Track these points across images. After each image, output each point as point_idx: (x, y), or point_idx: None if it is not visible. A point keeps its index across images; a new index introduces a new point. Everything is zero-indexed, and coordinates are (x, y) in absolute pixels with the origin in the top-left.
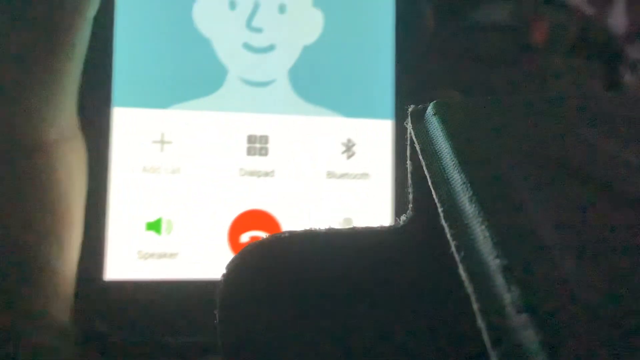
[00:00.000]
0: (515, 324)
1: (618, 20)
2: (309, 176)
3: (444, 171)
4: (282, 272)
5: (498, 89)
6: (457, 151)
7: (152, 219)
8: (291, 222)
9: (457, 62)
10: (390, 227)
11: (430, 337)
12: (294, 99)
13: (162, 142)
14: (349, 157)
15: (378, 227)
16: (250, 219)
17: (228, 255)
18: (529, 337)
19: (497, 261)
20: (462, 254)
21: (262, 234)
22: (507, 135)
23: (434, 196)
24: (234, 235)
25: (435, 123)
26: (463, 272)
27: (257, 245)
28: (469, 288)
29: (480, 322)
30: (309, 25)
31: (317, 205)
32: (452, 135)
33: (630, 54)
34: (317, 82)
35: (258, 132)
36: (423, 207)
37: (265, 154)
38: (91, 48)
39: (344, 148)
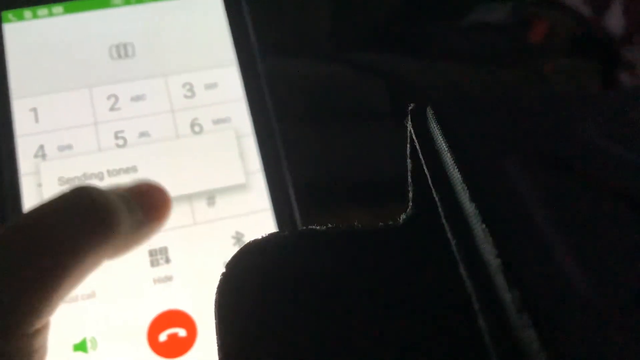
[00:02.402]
0: (516, 323)
1: (615, 21)
2: (208, 272)
3: (444, 170)
4: (281, 270)
5: (496, 88)
6: (457, 150)
7: (77, 341)
8: (202, 314)
9: (456, 62)
10: (390, 225)
11: (431, 336)
12: None
13: None
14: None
15: (378, 225)
16: (165, 319)
17: (150, 356)
18: (530, 336)
19: (498, 261)
20: (463, 253)
21: (178, 330)
22: (507, 134)
23: (434, 195)
24: (153, 337)
25: (435, 122)
26: (463, 272)
27: (256, 244)
28: (470, 287)
29: (481, 322)
30: None
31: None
32: (451, 134)
33: (627, 54)
34: None
35: (157, 246)
36: (423, 206)
37: (167, 262)
38: None
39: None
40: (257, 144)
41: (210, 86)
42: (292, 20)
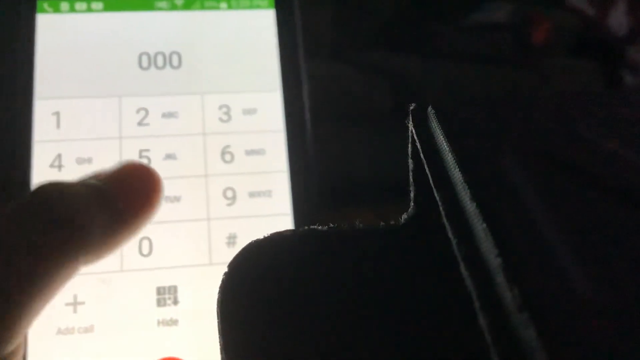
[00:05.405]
0: (517, 322)
1: (618, 21)
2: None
3: (445, 170)
4: (282, 270)
5: (498, 88)
6: (458, 150)
7: None
8: None
9: (459, 62)
10: (391, 225)
11: (432, 335)
12: None
13: (75, 303)
14: None
15: (379, 225)
16: None
17: None
18: (530, 335)
19: (498, 260)
20: (463, 252)
21: None
22: (508, 134)
23: (435, 195)
24: None
25: (436, 121)
26: (464, 271)
27: (258, 244)
28: (470, 286)
29: (482, 321)
30: None
31: None
32: (452, 134)
33: (631, 54)
34: None
35: (166, 284)
36: (424, 206)
37: (175, 303)
38: None
39: None
40: (289, 184)
41: (249, 112)
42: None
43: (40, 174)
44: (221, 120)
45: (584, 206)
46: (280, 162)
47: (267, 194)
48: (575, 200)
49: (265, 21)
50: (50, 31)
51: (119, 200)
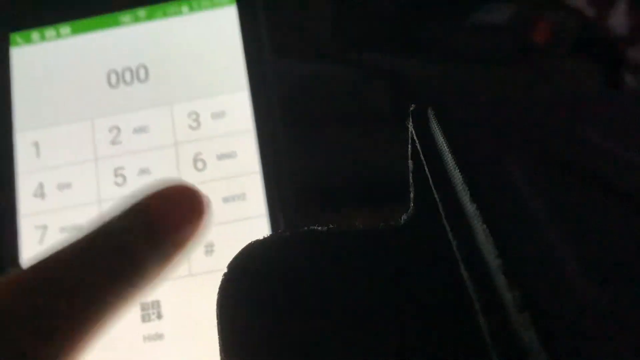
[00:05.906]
0: (517, 323)
1: (619, 21)
2: (203, 332)
3: (445, 170)
4: (282, 270)
5: (498, 89)
6: (458, 150)
7: None
8: None
9: (459, 63)
10: (391, 226)
11: (432, 335)
12: None
13: None
14: None
15: (379, 226)
16: None
17: None
18: (530, 336)
19: (498, 261)
20: (463, 253)
21: None
22: (508, 134)
23: (435, 195)
24: None
25: (436, 122)
26: (464, 272)
27: (258, 244)
28: (471, 287)
29: (482, 321)
30: None
31: None
32: (453, 135)
33: (632, 55)
34: None
35: (149, 299)
36: (424, 206)
37: (159, 317)
38: None
39: None
40: (263, 185)
41: (218, 115)
42: (294, 20)
43: (25, 204)
44: (191, 127)
45: (584, 207)
46: (252, 163)
47: (241, 197)
48: (576, 201)
49: (228, 19)
50: (24, 64)
51: (169, 238)
